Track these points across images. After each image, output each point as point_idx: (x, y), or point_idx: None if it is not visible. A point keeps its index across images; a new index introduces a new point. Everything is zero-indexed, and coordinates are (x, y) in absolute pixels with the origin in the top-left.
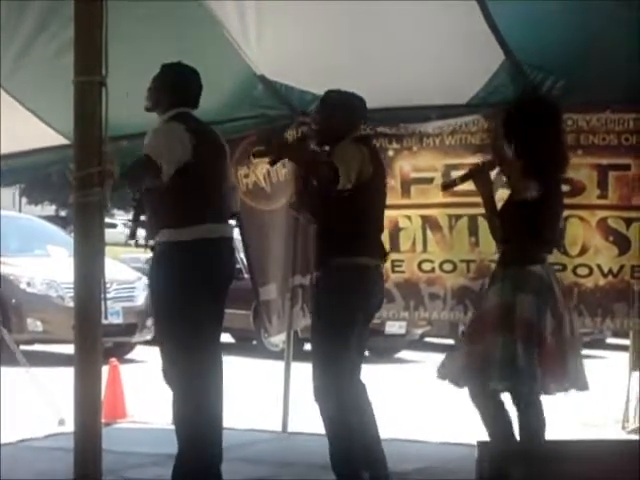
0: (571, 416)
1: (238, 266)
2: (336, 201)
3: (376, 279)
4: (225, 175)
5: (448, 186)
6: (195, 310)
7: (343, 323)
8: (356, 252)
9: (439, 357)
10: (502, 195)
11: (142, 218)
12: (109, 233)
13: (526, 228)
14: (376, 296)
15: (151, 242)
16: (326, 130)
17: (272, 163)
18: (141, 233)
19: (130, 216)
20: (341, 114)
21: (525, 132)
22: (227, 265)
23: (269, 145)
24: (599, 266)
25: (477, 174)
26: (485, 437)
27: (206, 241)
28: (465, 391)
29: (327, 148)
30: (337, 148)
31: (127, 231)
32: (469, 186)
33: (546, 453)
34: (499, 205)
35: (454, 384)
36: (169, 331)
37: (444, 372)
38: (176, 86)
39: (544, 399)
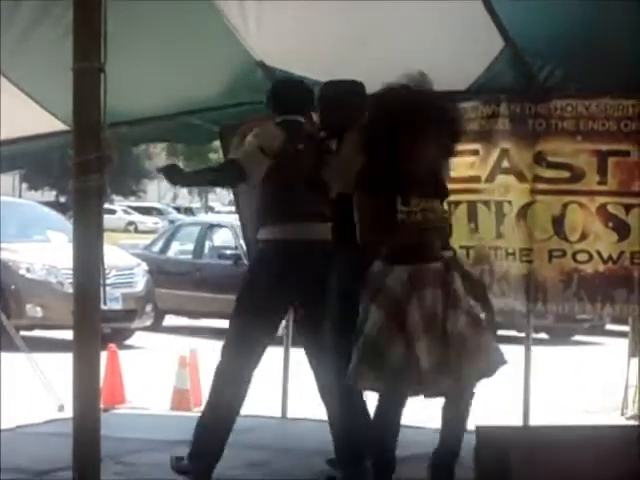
0: (573, 403)
1: (238, 252)
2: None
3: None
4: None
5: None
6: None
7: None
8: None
9: None
10: (503, 181)
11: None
12: (108, 219)
13: None
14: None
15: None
16: (331, 124)
17: None
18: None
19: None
20: (343, 105)
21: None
22: None
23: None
24: (599, 252)
25: None
26: (482, 422)
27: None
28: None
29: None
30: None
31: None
32: (468, 172)
33: (545, 438)
34: None
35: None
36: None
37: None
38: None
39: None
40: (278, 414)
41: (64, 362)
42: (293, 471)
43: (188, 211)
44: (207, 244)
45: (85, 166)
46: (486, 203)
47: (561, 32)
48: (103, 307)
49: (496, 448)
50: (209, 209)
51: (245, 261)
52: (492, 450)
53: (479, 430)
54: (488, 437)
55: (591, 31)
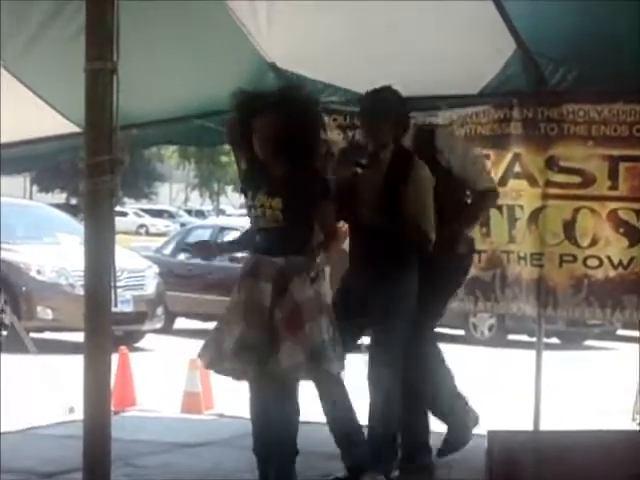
0: (584, 408)
1: None
2: None
3: None
4: None
5: None
6: None
7: None
8: None
9: (449, 348)
10: (515, 185)
11: None
12: (120, 221)
13: None
14: None
15: None
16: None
17: None
18: None
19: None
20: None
21: None
22: None
23: None
24: (609, 257)
25: None
26: (493, 426)
27: None
28: (476, 382)
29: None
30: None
31: None
32: None
33: (556, 442)
34: None
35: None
36: None
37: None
38: None
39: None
40: None
41: (74, 364)
42: (305, 472)
43: (199, 214)
44: None
45: (97, 168)
46: (498, 207)
47: (574, 35)
48: (114, 309)
49: (507, 452)
50: (220, 212)
51: None
52: (503, 454)
53: (490, 434)
54: (499, 441)
55: (604, 35)
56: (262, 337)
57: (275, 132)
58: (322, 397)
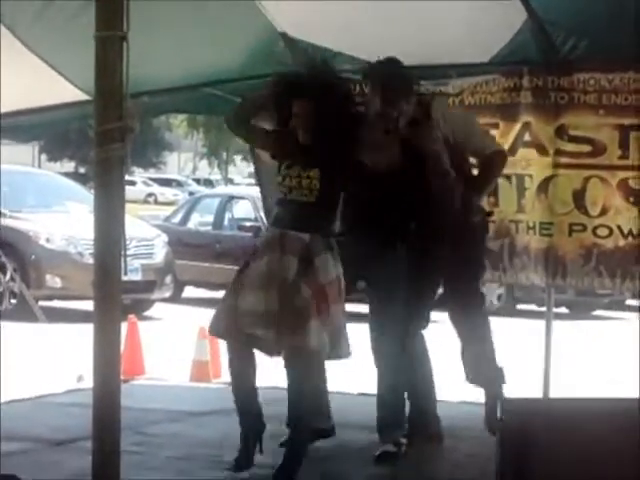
0: (593, 377)
1: (258, 223)
2: None
3: None
4: None
5: None
6: None
7: None
8: None
9: None
10: (524, 154)
11: None
12: (128, 190)
13: None
14: None
15: None
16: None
17: None
18: None
19: None
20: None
21: None
22: None
23: None
24: (619, 227)
25: None
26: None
27: None
28: None
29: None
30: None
31: None
32: None
33: (568, 410)
34: None
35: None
36: None
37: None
38: None
39: None
40: None
41: (83, 333)
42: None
43: (208, 183)
44: (227, 216)
45: (107, 136)
46: (507, 177)
47: (585, 4)
48: (123, 278)
49: (519, 419)
50: (229, 181)
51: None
52: (515, 421)
53: (503, 402)
54: (512, 409)
55: (615, 3)
56: (282, 308)
57: (317, 117)
58: (292, 375)
